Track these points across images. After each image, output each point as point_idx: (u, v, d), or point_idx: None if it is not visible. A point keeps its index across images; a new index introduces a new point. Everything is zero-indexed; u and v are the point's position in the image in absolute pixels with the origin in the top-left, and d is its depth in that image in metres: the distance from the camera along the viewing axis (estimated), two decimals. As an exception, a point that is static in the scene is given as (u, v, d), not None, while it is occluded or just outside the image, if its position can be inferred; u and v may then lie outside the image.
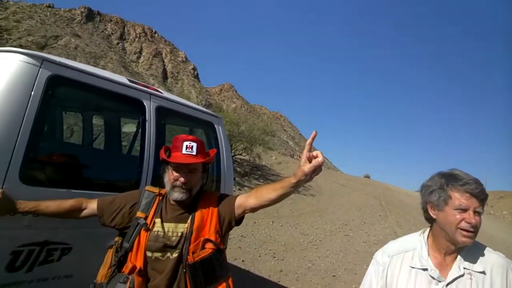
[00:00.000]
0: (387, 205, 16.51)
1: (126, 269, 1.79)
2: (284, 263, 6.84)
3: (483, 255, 1.50)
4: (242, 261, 6.36)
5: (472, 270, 1.46)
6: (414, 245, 1.62)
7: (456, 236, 1.45)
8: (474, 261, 1.48)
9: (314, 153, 1.58)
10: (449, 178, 1.51)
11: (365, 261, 7.72)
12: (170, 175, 1.88)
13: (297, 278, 6.22)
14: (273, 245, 7.76)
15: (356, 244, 9.08)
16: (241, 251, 6.80)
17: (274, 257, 7.02)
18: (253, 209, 1.87)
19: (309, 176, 1.59)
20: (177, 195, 1.85)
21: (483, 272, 1.45)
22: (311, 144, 1.59)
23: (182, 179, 1.85)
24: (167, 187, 1.90)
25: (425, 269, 1.52)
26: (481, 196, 1.43)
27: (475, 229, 1.42)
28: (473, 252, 1.51)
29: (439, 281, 1.48)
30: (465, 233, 1.43)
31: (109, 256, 1.89)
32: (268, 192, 1.79)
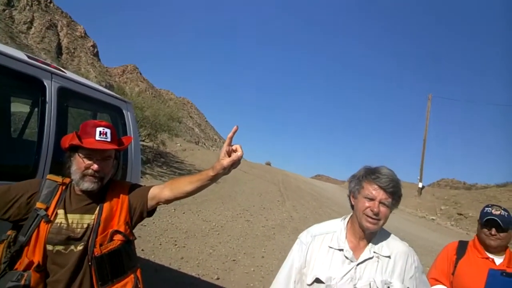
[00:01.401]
0: (285, 190, 17.56)
1: (21, 265, 1.63)
2: (185, 250, 6.91)
3: (390, 242, 1.79)
4: (142, 250, 6.24)
5: (380, 254, 1.73)
6: (335, 228, 1.85)
7: (362, 221, 1.71)
8: (382, 246, 1.75)
9: (234, 147, 1.62)
10: (368, 171, 1.77)
11: (263, 245, 8.22)
12: (80, 163, 1.76)
13: (198, 264, 6.35)
14: (175, 233, 7.75)
15: (255, 229, 9.54)
16: (140, 240, 6.64)
17: (175, 245, 7.04)
18: (168, 201, 1.85)
19: (228, 170, 1.63)
20: (87, 184, 1.75)
21: (389, 257, 1.73)
22: (231, 138, 1.62)
23: (95, 167, 1.75)
24: (76, 176, 1.77)
25: (341, 250, 1.75)
26: (389, 189, 1.67)
27: (377, 217, 1.67)
28: (383, 239, 1.78)
29: (352, 261, 1.72)
30: (369, 219, 1.68)
31: (0, 252, 1.69)
32: (185, 184, 1.79)
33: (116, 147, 1.86)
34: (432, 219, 21.33)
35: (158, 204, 1.88)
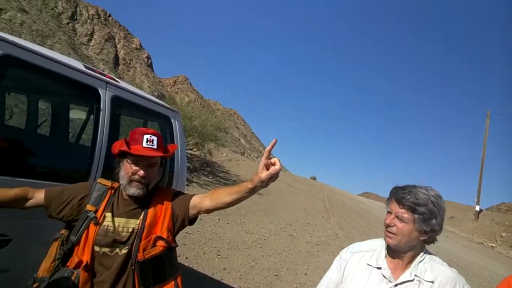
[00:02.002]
0: (331, 207, 17.12)
1: (72, 263, 1.72)
2: (228, 261, 6.88)
3: (436, 267, 1.66)
4: (186, 258, 6.30)
5: (422, 278, 1.61)
6: (376, 246, 1.79)
7: (384, 236, 1.68)
8: (426, 270, 1.64)
9: (272, 160, 1.59)
10: (395, 187, 1.71)
11: (307, 261, 8.00)
12: (127, 169, 1.82)
13: (240, 276, 6.30)
14: (218, 243, 7.77)
15: (299, 244, 9.34)
16: (185, 248, 6.73)
17: (218, 255, 7.04)
18: (208, 211, 1.86)
19: (266, 183, 1.61)
20: (134, 190, 1.81)
21: (432, 282, 1.60)
22: (270, 151, 1.60)
23: (141, 173, 1.80)
24: (123, 181, 1.83)
25: (379, 268, 1.69)
26: (406, 203, 1.60)
27: (392, 231, 1.63)
28: (427, 262, 1.66)
29: (390, 281, 1.64)
30: (386, 232, 1.66)
31: (54, 249, 1.80)
32: (224, 195, 1.79)
33: (161, 154, 1.89)
34: (491, 246, 19.76)
35: (199, 213, 1.89)
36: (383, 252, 1.74)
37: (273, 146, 1.58)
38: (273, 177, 1.59)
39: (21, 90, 3.55)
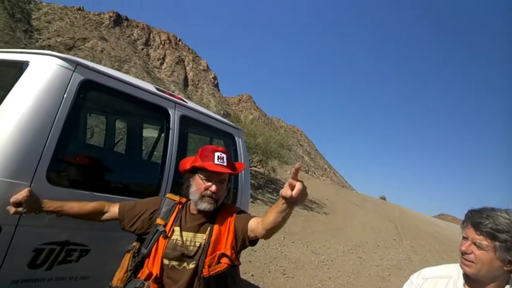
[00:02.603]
0: (402, 229, 16.14)
1: (142, 275, 1.80)
2: (294, 281, 6.73)
3: None
4: (252, 275, 6.29)
5: None
6: (451, 273, 1.64)
7: (461, 264, 1.54)
8: None
9: (294, 182, 1.49)
10: (471, 211, 1.56)
11: (377, 285, 7.55)
12: (199, 184, 1.89)
13: (306, 297, 6.12)
14: (284, 262, 7.65)
15: (368, 267, 8.88)
16: (251, 265, 6.73)
17: (284, 274, 6.92)
18: (264, 236, 1.81)
19: (295, 201, 1.53)
20: (205, 205, 1.86)
21: None
22: (295, 173, 1.49)
23: (213, 188, 1.86)
24: (195, 196, 1.89)
25: None
26: (482, 228, 1.44)
27: (468, 259, 1.47)
28: None
29: None
30: (462, 259, 1.51)
31: (126, 261, 1.91)
32: (270, 221, 1.72)
33: (232, 171, 1.96)
34: None
35: (257, 237, 1.85)
36: (461, 280, 1.57)
37: (297, 168, 1.49)
38: (299, 197, 1.50)
39: (99, 111, 3.87)
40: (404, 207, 26.92)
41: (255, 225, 1.83)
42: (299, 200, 1.51)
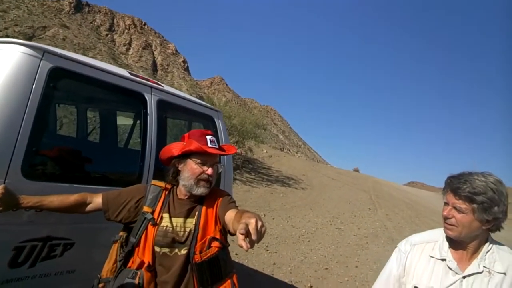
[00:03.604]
0: (377, 198, 16.68)
1: (134, 264, 1.78)
2: (277, 256, 6.88)
3: (505, 257, 1.55)
4: (236, 254, 6.36)
5: (492, 270, 1.52)
6: (437, 237, 1.71)
7: (444, 228, 1.63)
8: (495, 261, 1.54)
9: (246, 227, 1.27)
10: (450, 176, 1.63)
11: (356, 254, 7.82)
12: (194, 169, 1.83)
13: (291, 271, 6.27)
14: (266, 238, 7.77)
15: (347, 237, 9.17)
16: (234, 244, 6.73)
17: (267, 250, 7.06)
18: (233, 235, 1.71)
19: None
20: (202, 189, 1.83)
21: (504, 273, 1.50)
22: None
23: (210, 171, 1.83)
24: (189, 181, 1.83)
25: (443, 260, 1.61)
26: (461, 193, 1.52)
27: (450, 223, 1.55)
28: (495, 253, 1.56)
29: (456, 273, 1.56)
30: (445, 225, 1.59)
31: (114, 251, 1.87)
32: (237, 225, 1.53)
33: (226, 153, 1.97)
34: None
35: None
36: (446, 243, 1.65)
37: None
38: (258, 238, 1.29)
39: (71, 100, 3.72)
40: (377, 177, 27.75)
41: (228, 221, 1.72)
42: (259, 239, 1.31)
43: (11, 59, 1.89)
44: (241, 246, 1.24)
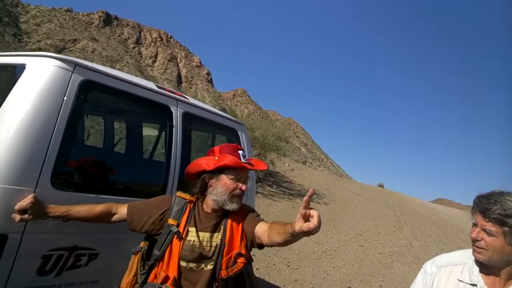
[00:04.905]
0: (402, 215, 16.22)
1: (158, 278, 1.75)
2: (298, 272, 6.75)
3: None
4: (257, 269, 6.29)
5: None
6: (466, 260, 1.61)
7: (472, 251, 1.52)
8: None
9: (311, 211, 1.39)
10: (479, 196, 1.53)
11: (381, 273, 7.58)
12: (228, 184, 1.82)
13: (312, 288, 6.14)
14: (287, 254, 7.65)
15: (371, 255, 8.92)
16: (255, 259, 6.62)
17: (289, 266, 6.94)
18: (269, 246, 1.77)
19: (306, 234, 1.43)
20: (235, 205, 1.83)
21: None
22: (307, 202, 1.39)
23: (244, 187, 1.83)
24: (223, 197, 1.81)
25: (474, 285, 1.51)
26: (490, 214, 1.42)
27: (479, 245, 1.46)
28: None
29: None
30: (473, 247, 1.50)
31: (134, 263, 1.86)
32: (275, 235, 1.65)
33: (259, 168, 1.95)
34: None
35: (262, 244, 1.79)
36: (476, 266, 1.54)
37: (310, 196, 1.40)
38: (309, 233, 1.40)
39: (101, 112, 3.82)
40: (402, 193, 27.06)
41: (261, 233, 1.76)
42: (317, 230, 1.40)
43: (44, 72, 1.95)
44: (309, 228, 1.35)
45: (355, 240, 10.11)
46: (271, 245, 1.73)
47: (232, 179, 1.82)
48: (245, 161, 1.86)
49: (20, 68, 2.02)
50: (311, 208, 1.39)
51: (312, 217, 1.37)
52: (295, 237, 1.50)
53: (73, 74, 2.03)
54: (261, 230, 1.76)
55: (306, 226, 1.37)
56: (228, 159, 1.81)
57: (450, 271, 1.61)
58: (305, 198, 1.38)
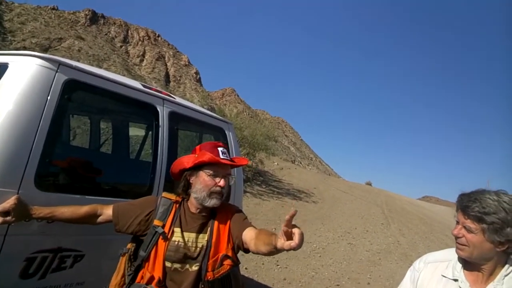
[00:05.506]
0: (390, 213, 16.38)
1: (144, 279, 1.74)
2: (287, 271, 6.77)
3: None
4: (246, 268, 6.29)
5: None
6: (451, 257, 1.66)
7: (455, 248, 1.58)
8: None
9: (293, 229, 1.37)
10: (462, 194, 1.59)
11: (369, 270, 7.66)
12: (206, 181, 1.82)
13: (301, 286, 6.17)
14: (276, 253, 7.67)
15: (359, 253, 9.00)
16: (244, 259, 6.72)
17: (277, 265, 6.96)
18: (255, 253, 1.76)
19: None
20: (214, 201, 1.81)
21: None
22: (289, 220, 1.36)
23: (222, 183, 1.82)
24: (202, 193, 1.82)
25: (456, 280, 1.56)
26: (469, 212, 1.47)
27: (460, 242, 1.51)
28: None
29: None
30: (456, 244, 1.55)
31: (122, 264, 1.84)
32: (261, 245, 1.62)
33: (238, 164, 1.97)
34: None
35: (248, 249, 1.78)
36: (459, 263, 1.60)
37: (292, 216, 1.36)
38: (300, 246, 1.36)
39: (85, 111, 3.78)
40: (389, 191, 27.35)
41: (248, 240, 1.74)
42: (299, 248, 1.37)
43: (27, 71, 1.92)
44: (290, 246, 1.32)
45: (343, 238, 10.19)
46: (257, 253, 1.73)
47: (210, 175, 1.83)
48: (224, 157, 1.86)
49: (3, 68, 1.99)
50: (294, 226, 1.38)
51: (294, 234, 1.35)
52: (278, 250, 1.47)
53: (57, 73, 2.01)
54: (248, 237, 1.76)
55: (288, 245, 1.35)
56: (205, 156, 1.81)
57: (436, 267, 1.67)
58: (287, 217, 1.36)
